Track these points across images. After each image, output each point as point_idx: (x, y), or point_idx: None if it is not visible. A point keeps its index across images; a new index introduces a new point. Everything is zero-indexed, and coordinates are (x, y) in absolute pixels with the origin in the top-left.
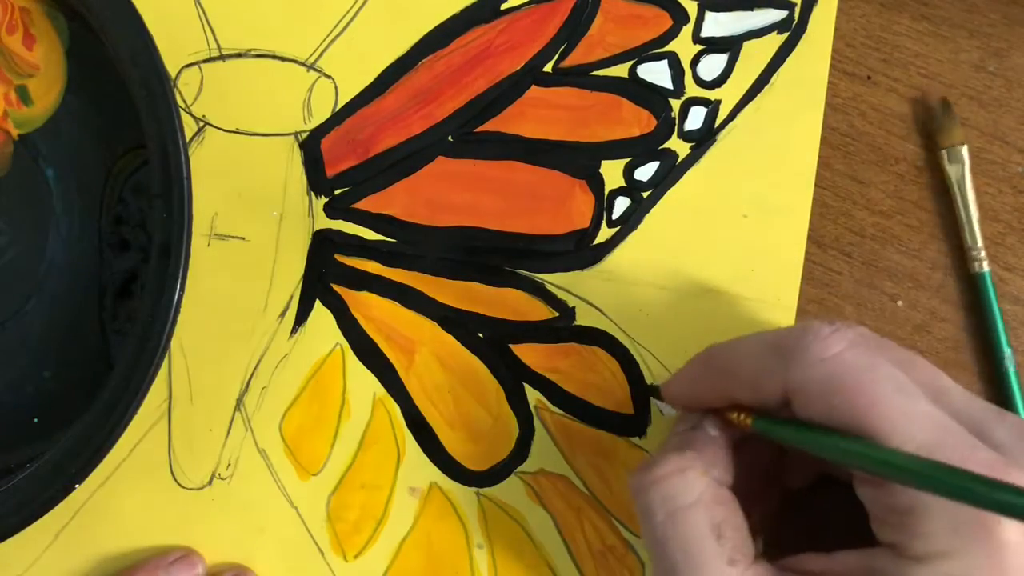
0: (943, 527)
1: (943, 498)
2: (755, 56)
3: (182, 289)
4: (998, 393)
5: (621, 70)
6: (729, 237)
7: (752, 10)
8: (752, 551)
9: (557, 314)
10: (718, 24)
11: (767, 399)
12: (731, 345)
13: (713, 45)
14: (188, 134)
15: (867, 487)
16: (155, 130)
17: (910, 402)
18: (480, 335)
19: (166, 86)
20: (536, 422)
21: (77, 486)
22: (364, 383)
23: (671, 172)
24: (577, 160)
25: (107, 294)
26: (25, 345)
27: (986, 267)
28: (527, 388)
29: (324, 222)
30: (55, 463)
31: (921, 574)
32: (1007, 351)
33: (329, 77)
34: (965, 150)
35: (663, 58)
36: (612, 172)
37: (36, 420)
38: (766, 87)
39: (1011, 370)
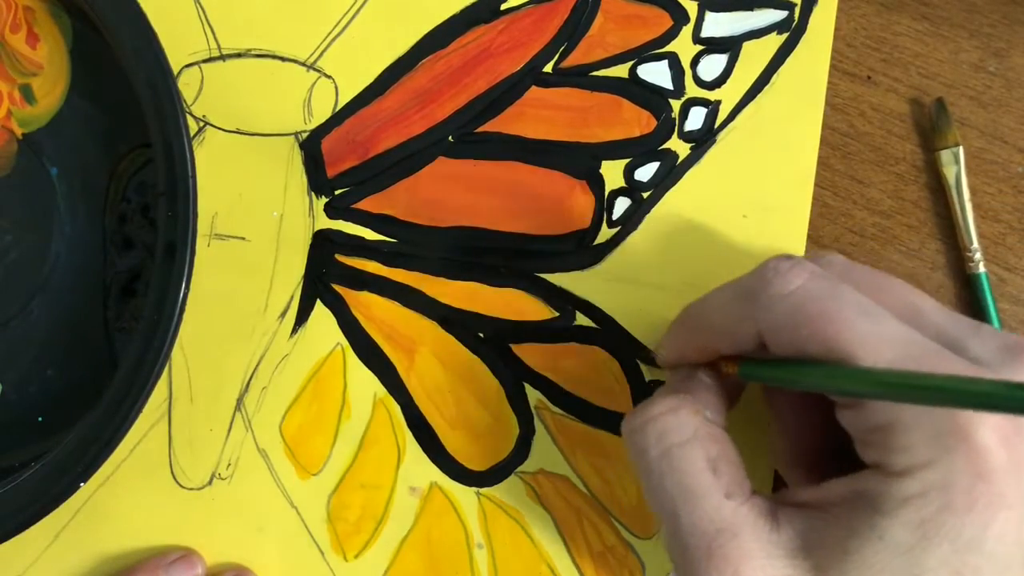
0: (921, 439)
1: (915, 406)
2: (755, 56)
3: (187, 287)
4: None
5: (621, 70)
6: (729, 237)
7: (752, 10)
8: (748, 486)
9: (557, 314)
10: (718, 24)
11: (744, 345)
12: (703, 300)
13: (713, 45)
14: None
15: (846, 412)
16: (159, 128)
17: (876, 323)
18: (481, 335)
19: (170, 84)
20: (536, 422)
21: (83, 484)
22: (364, 383)
23: (671, 172)
24: (577, 160)
25: (111, 293)
26: (30, 344)
27: (982, 268)
28: (528, 388)
29: (325, 222)
30: (60, 461)
31: (905, 488)
32: None
33: (329, 77)
34: (961, 152)
35: (663, 58)
36: (612, 172)
37: (41, 419)
38: (766, 87)
39: None
